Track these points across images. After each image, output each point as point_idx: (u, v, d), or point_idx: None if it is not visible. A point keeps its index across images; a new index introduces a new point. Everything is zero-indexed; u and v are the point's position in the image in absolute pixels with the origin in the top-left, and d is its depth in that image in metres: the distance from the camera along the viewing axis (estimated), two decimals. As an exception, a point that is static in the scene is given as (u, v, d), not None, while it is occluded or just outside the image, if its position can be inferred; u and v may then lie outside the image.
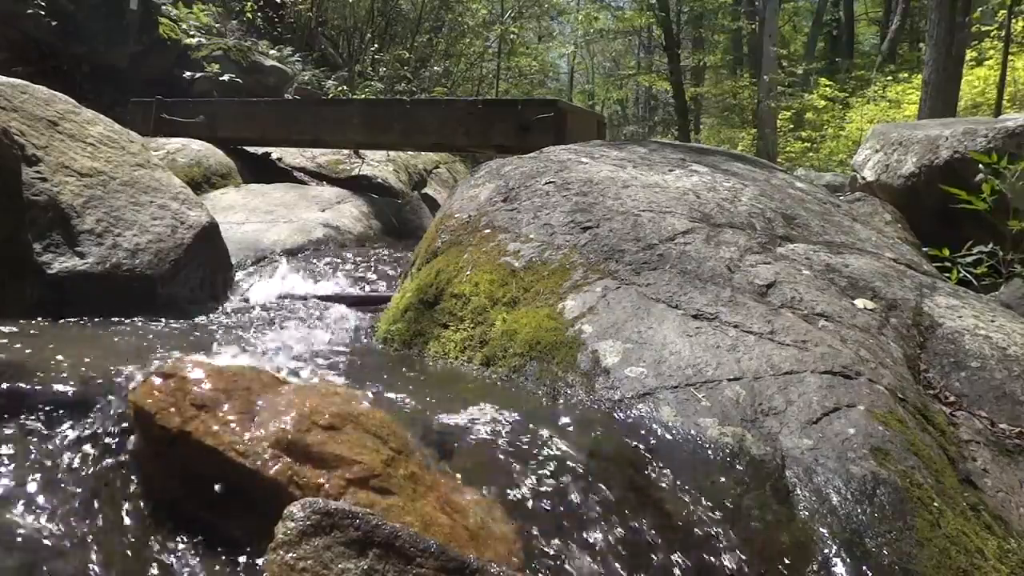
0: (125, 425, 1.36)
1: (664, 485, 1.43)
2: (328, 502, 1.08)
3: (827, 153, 13.21)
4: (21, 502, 1.20)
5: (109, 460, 1.33)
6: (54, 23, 7.07)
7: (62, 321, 2.41)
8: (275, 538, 1.04)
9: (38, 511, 1.19)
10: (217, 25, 9.15)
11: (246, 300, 3.32)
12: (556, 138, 4.53)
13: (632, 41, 23.41)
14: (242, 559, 1.17)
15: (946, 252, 3.37)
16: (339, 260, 4.17)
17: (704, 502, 1.39)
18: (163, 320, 2.63)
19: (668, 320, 1.90)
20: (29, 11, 6.93)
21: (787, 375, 1.68)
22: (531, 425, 1.54)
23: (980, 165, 3.51)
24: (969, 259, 3.44)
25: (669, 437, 1.56)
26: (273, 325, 2.79)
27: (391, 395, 1.58)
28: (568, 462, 1.44)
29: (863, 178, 5.04)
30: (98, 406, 1.41)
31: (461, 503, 1.28)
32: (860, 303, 2.07)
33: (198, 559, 1.17)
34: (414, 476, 1.28)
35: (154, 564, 1.16)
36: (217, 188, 5.35)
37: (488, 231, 2.45)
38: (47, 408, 1.41)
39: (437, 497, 1.26)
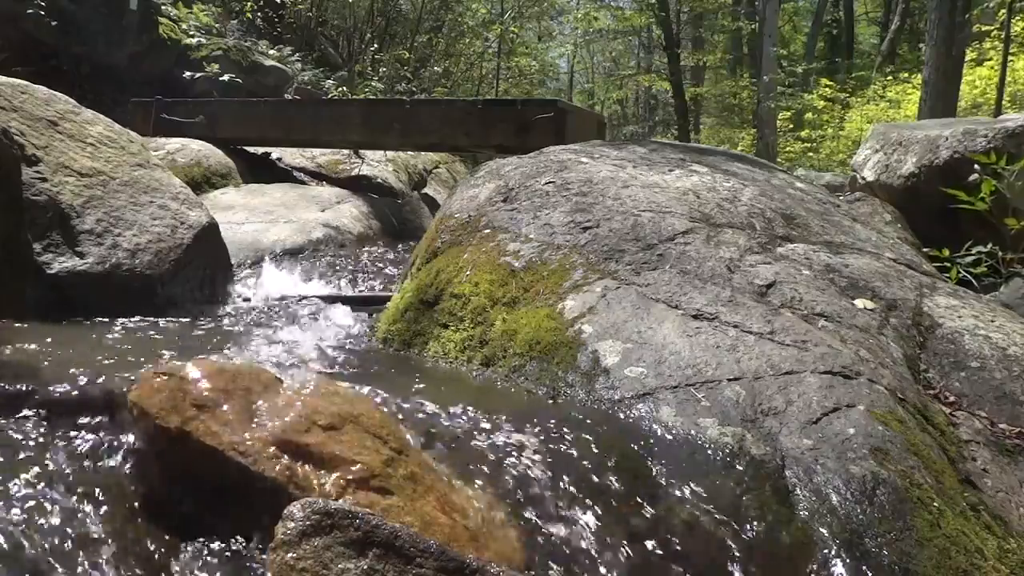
0: (125, 425, 1.36)
1: (664, 485, 1.43)
2: (328, 502, 1.08)
3: (827, 153, 13.19)
4: (19, 503, 1.20)
5: (108, 460, 1.33)
6: (54, 23, 7.07)
7: (62, 321, 2.41)
8: (275, 538, 1.04)
9: (36, 512, 1.19)
10: (217, 25, 9.14)
11: (246, 300, 3.33)
12: (556, 138, 4.52)
13: (632, 41, 23.39)
14: (242, 559, 1.17)
15: (946, 252, 3.36)
16: (339, 260, 4.17)
17: (704, 502, 1.39)
18: (163, 320, 2.63)
19: (668, 320, 1.90)
20: (29, 11, 6.92)
21: (787, 375, 1.68)
22: (531, 425, 1.54)
23: (976, 165, 3.50)
24: (968, 259, 3.44)
25: (669, 437, 1.56)
26: (273, 325, 2.79)
27: (391, 395, 1.58)
28: (568, 462, 1.44)
29: (863, 178, 5.03)
30: (97, 406, 1.41)
31: (461, 503, 1.28)
32: (860, 303, 2.07)
33: (198, 559, 1.17)
34: (414, 476, 1.28)
35: (154, 565, 1.16)
36: (217, 188, 5.35)
37: (488, 231, 2.45)
38: (46, 408, 1.41)
39: (437, 497, 1.26)
